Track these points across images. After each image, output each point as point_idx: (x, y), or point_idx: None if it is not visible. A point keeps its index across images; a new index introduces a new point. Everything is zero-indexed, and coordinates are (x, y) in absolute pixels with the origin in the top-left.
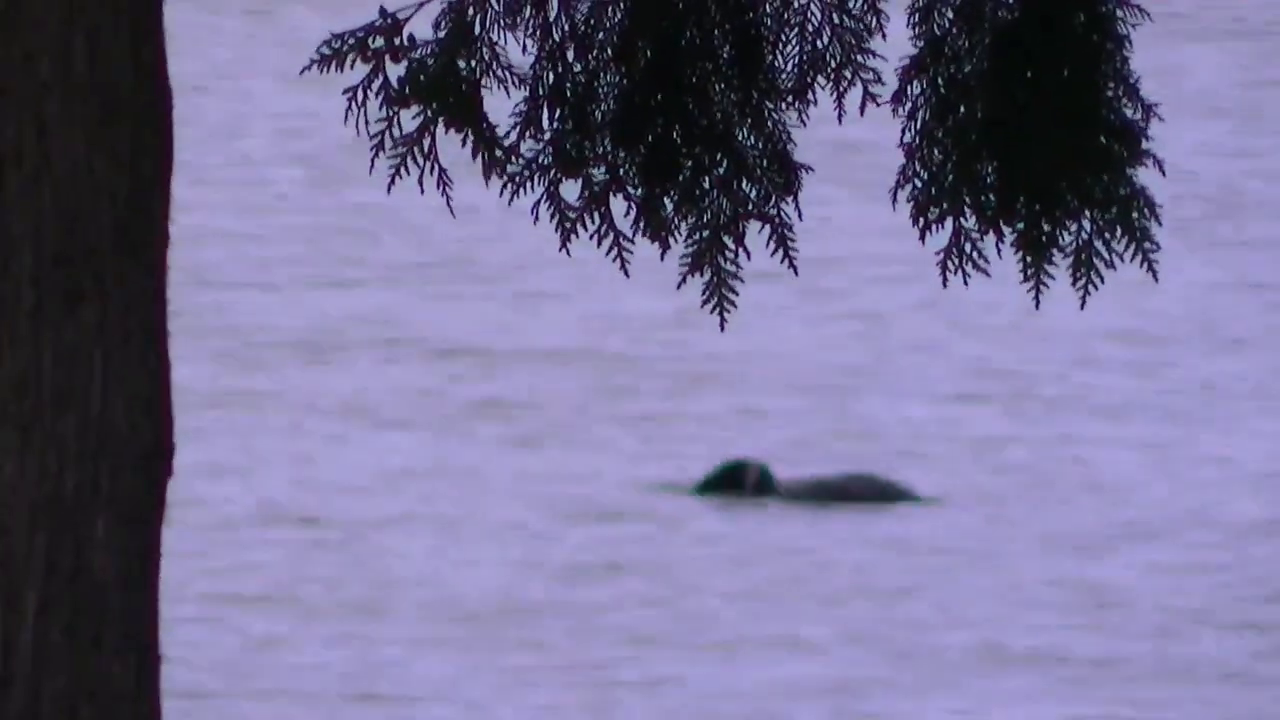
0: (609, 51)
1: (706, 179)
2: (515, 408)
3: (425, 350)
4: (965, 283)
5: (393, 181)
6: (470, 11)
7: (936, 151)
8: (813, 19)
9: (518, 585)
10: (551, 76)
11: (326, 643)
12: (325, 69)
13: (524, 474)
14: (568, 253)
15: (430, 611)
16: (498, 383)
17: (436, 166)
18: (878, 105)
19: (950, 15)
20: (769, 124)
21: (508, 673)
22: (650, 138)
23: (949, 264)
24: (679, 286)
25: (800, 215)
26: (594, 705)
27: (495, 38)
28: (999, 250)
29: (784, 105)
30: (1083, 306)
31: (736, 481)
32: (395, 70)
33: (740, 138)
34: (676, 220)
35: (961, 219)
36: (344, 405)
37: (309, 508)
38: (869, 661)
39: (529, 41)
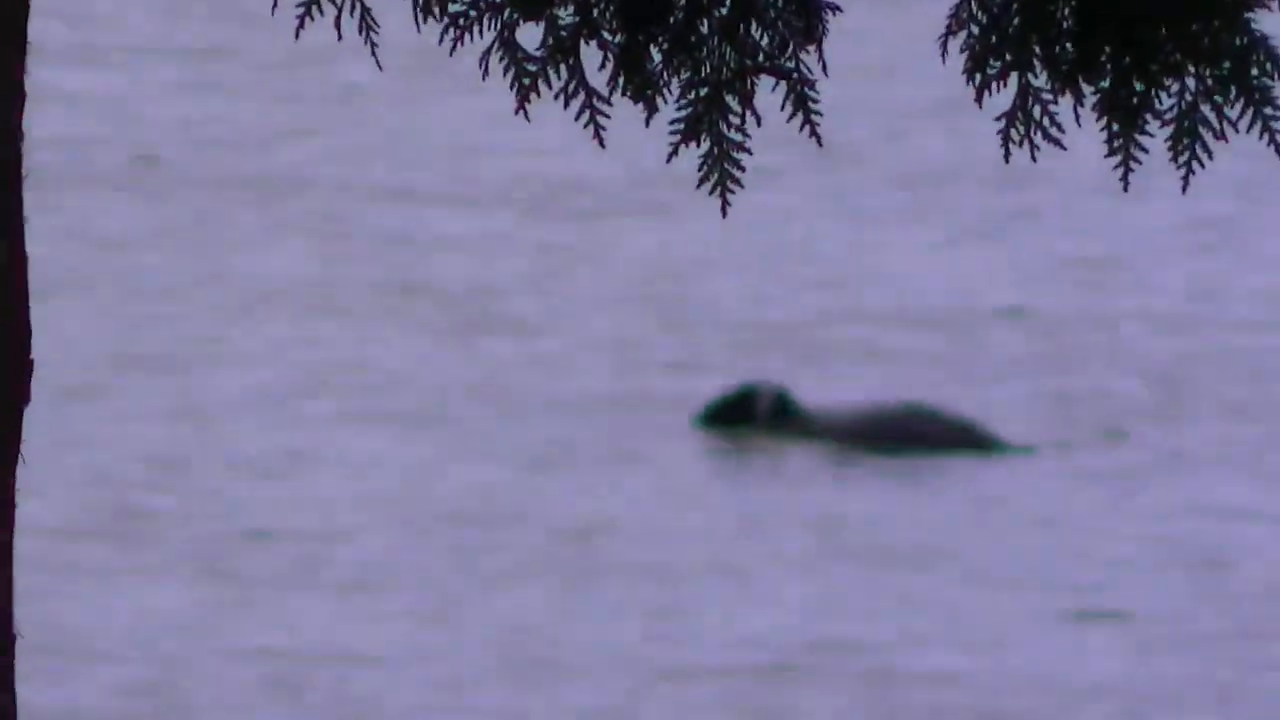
0: None
1: (704, 22)
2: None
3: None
4: (1033, 157)
5: (301, 25)
6: None
7: None
8: None
9: None
10: None
11: None
12: None
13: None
14: (525, 115)
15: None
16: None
17: (359, 3)
18: None
19: None
20: None
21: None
22: None
23: (1012, 132)
24: (669, 159)
25: (825, 69)
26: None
27: None
28: (1077, 116)
29: None
30: (1185, 188)
31: (747, 410)
32: None
33: None
34: (666, 75)
35: (1029, 75)
36: None
37: None
38: None
39: None
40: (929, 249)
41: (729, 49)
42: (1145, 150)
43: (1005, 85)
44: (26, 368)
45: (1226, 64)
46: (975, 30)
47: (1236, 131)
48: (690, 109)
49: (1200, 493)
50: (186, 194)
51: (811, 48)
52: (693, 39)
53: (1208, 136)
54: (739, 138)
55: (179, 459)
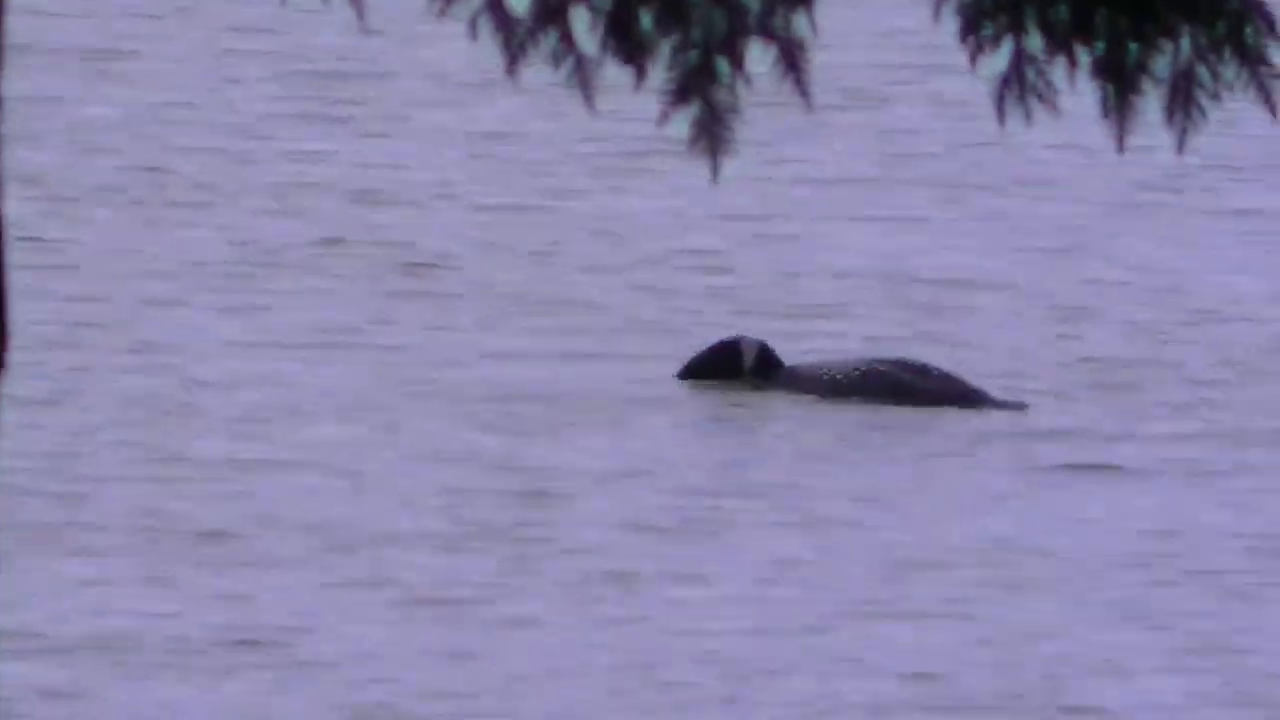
0: None
1: None
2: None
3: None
4: (1027, 120)
5: None
6: None
7: None
8: None
9: None
10: None
11: None
12: None
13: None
14: (515, 80)
15: None
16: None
17: None
18: None
19: None
20: None
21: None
22: None
23: (1007, 96)
24: (660, 124)
25: (815, 31)
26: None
27: None
28: (1072, 79)
29: None
30: (1180, 150)
31: (731, 365)
32: None
33: None
34: (656, 38)
35: (1023, 37)
36: None
37: None
38: None
39: None
40: (903, 217)
41: (719, 11)
42: (1140, 113)
43: (999, 48)
44: (4, 338)
45: (1221, 25)
46: None
47: (1231, 92)
48: (681, 72)
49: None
50: None
51: (802, 9)
52: (682, 2)
53: (1202, 98)
54: (730, 101)
55: None
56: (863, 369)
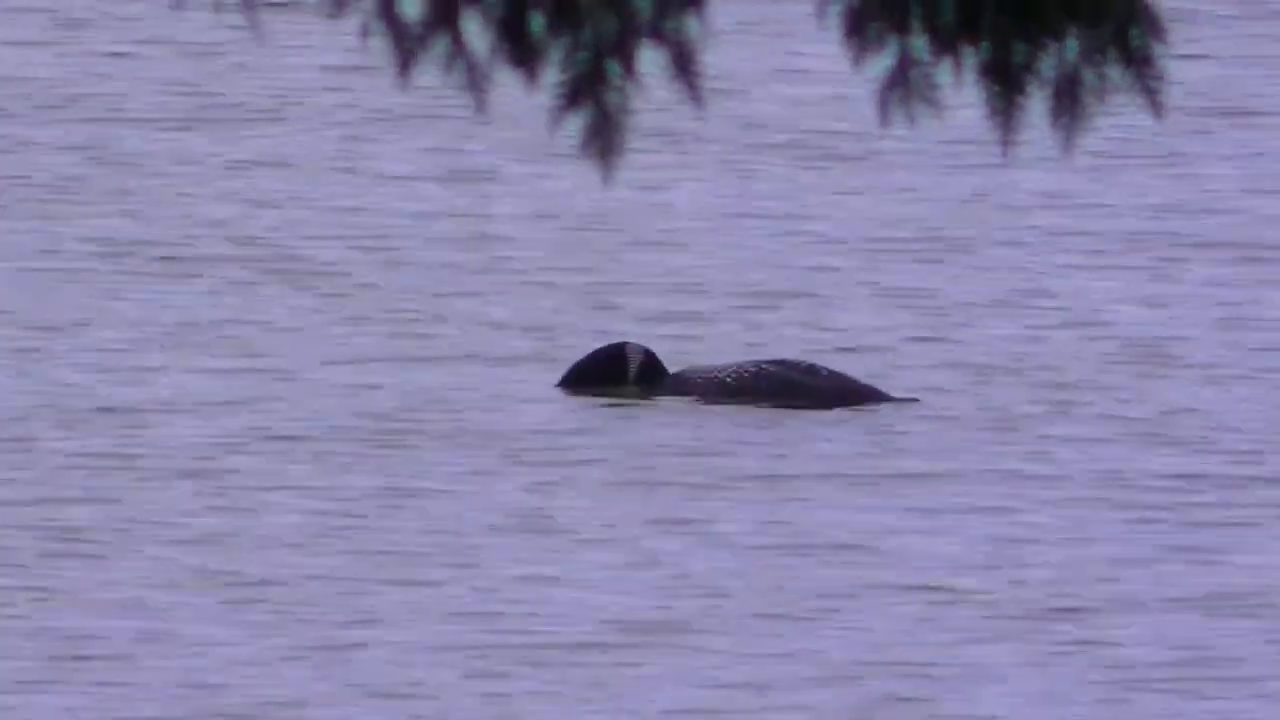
0: None
1: None
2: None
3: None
4: (911, 122)
5: None
6: None
7: None
8: None
9: None
10: None
11: None
12: None
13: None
14: (406, 84)
15: None
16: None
17: None
18: None
19: None
20: None
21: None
22: None
23: (891, 98)
24: (550, 127)
25: (707, 33)
26: None
27: None
28: (957, 81)
29: None
30: (1066, 152)
31: (616, 371)
32: None
33: None
34: (548, 42)
35: (908, 38)
36: None
37: None
38: None
39: None
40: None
41: (610, 14)
42: (1025, 114)
43: (884, 49)
44: None
45: (1107, 26)
46: None
47: (1116, 94)
48: (572, 76)
49: None
50: None
51: (693, 10)
52: (574, 5)
53: (1089, 100)
54: (622, 104)
55: None
56: (752, 370)
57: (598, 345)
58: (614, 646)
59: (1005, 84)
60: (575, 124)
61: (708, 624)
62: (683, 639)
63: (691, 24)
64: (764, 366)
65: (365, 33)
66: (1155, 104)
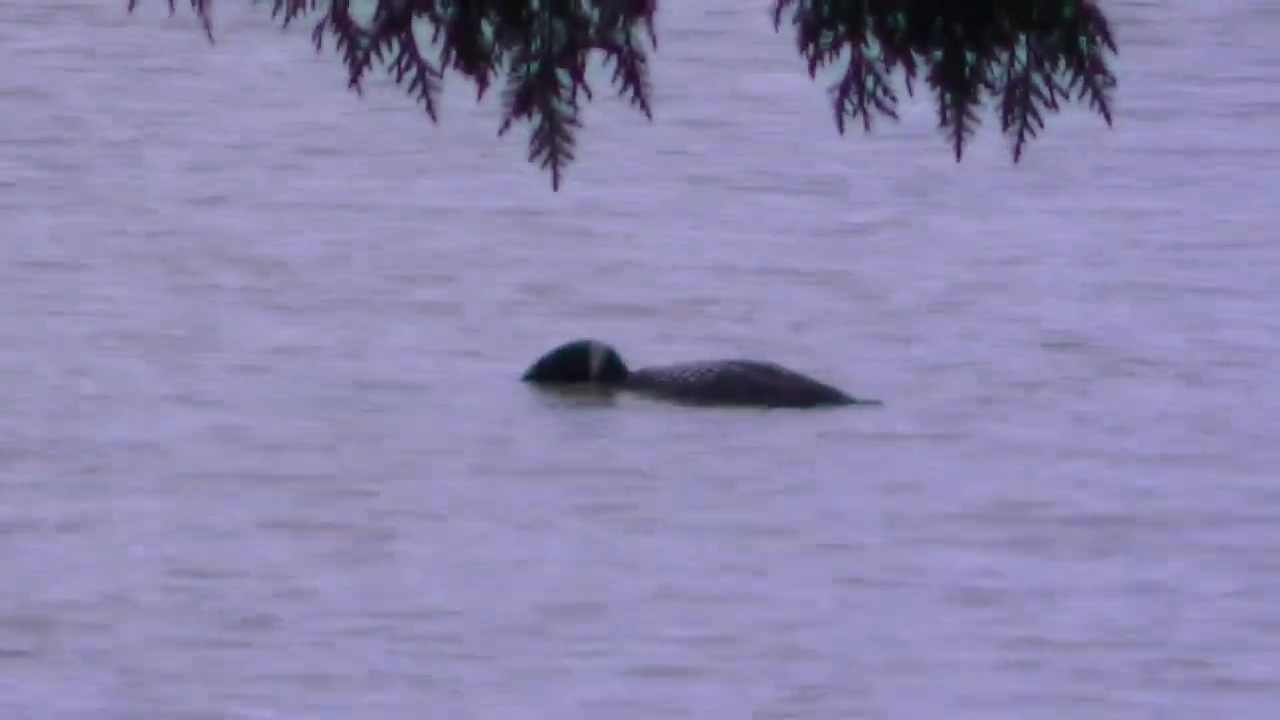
0: None
1: None
2: None
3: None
4: (866, 126)
5: None
6: None
7: None
8: None
9: None
10: None
11: None
12: None
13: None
14: (358, 90)
15: None
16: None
17: None
18: None
19: None
20: None
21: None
22: None
23: (846, 104)
24: (500, 133)
25: (655, 42)
26: None
27: None
28: (909, 87)
29: None
30: (1016, 158)
31: (578, 368)
32: None
33: None
34: (498, 49)
35: (862, 45)
36: None
37: None
38: None
39: None
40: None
41: (559, 22)
42: (977, 120)
43: (838, 56)
44: None
45: (1057, 33)
46: (808, 1)
47: (1067, 99)
48: (521, 83)
49: None
50: None
51: (641, 20)
52: (523, 13)
53: (1038, 105)
54: (570, 111)
55: None
56: (715, 370)
57: (560, 343)
58: (543, 633)
59: (957, 90)
60: (525, 130)
61: (640, 608)
62: (614, 624)
63: (641, 33)
64: (728, 367)
65: (318, 38)
66: (1106, 110)
